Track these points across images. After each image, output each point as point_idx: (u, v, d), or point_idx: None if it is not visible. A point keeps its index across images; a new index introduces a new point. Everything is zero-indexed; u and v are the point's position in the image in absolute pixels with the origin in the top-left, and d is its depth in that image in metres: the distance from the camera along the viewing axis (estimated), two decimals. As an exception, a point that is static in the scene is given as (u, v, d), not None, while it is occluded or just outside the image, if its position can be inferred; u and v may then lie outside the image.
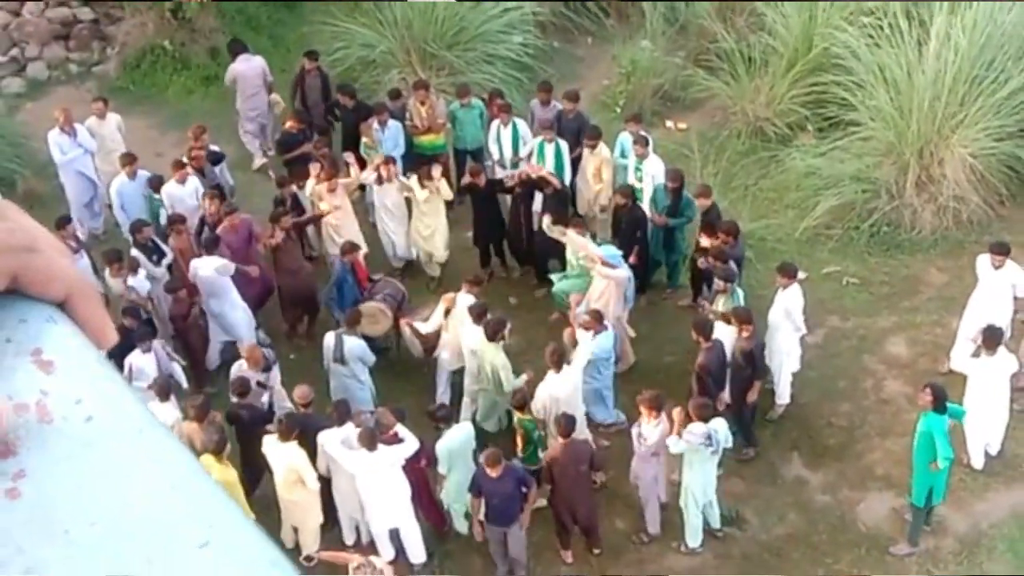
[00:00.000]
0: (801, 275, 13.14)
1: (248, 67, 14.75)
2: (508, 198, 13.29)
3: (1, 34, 16.72)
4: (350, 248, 12.30)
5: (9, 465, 0.50)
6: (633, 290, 12.22)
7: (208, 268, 11.88)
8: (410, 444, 10.22)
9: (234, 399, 10.86)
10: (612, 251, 11.93)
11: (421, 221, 13.11)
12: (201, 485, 0.51)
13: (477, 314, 11.22)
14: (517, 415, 10.83)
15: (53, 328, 0.56)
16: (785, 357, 11.68)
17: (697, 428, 10.20)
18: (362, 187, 13.53)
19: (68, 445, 0.52)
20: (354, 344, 11.35)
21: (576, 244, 12.01)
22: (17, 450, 0.51)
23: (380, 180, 13.04)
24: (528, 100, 14.51)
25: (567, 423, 10.28)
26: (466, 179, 13.10)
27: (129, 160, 13.12)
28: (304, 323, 12.91)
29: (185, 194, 12.98)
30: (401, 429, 10.31)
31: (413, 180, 13.04)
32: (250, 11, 17.04)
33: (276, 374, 11.50)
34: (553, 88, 14.33)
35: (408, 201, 13.23)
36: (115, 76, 16.47)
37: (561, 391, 10.74)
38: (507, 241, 13.38)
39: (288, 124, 13.91)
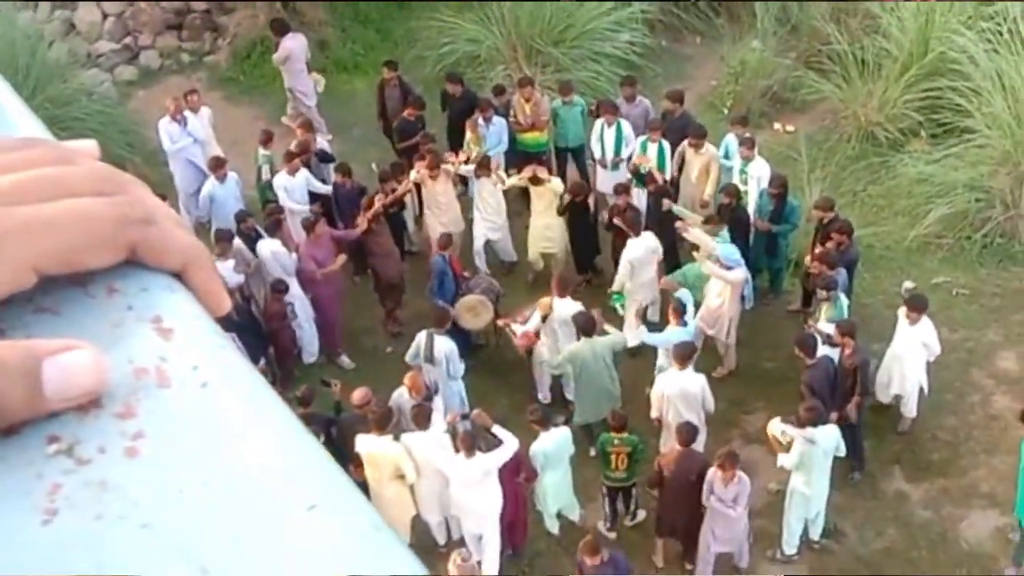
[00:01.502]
0: (909, 284, 12.90)
1: (297, 44, 14.85)
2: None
3: (116, 22, 17.09)
4: (447, 242, 12.30)
5: (129, 425, 0.53)
6: (751, 291, 12.05)
7: (267, 249, 12.08)
8: (509, 446, 10.07)
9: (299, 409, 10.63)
10: (731, 251, 11.74)
11: (541, 220, 13.01)
12: (309, 450, 0.53)
13: (582, 327, 11.10)
14: (615, 435, 10.62)
15: (172, 297, 0.59)
16: (919, 380, 11.34)
17: (797, 434, 10.02)
18: (464, 181, 13.53)
19: (184, 409, 0.54)
20: (444, 344, 11.28)
21: (699, 241, 11.88)
22: (137, 412, 0.53)
23: (479, 174, 13.01)
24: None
25: (689, 431, 10.16)
26: (567, 197, 12.90)
27: (218, 164, 13.13)
28: (392, 311, 12.99)
29: (297, 185, 13.04)
30: (498, 429, 10.23)
31: (513, 180, 13.03)
32: (359, 5, 17.21)
33: (439, 402, 11.17)
34: (636, 83, 14.18)
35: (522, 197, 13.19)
36: (225, 66, 16.74)
37: (692, 387, 10.62)
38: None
39: (407, 112, 13.96)
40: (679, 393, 10.61)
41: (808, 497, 10.34)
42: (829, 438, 10.10)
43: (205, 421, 0.53)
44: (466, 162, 13.24)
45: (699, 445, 10.59)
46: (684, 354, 10.64)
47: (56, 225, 0.57)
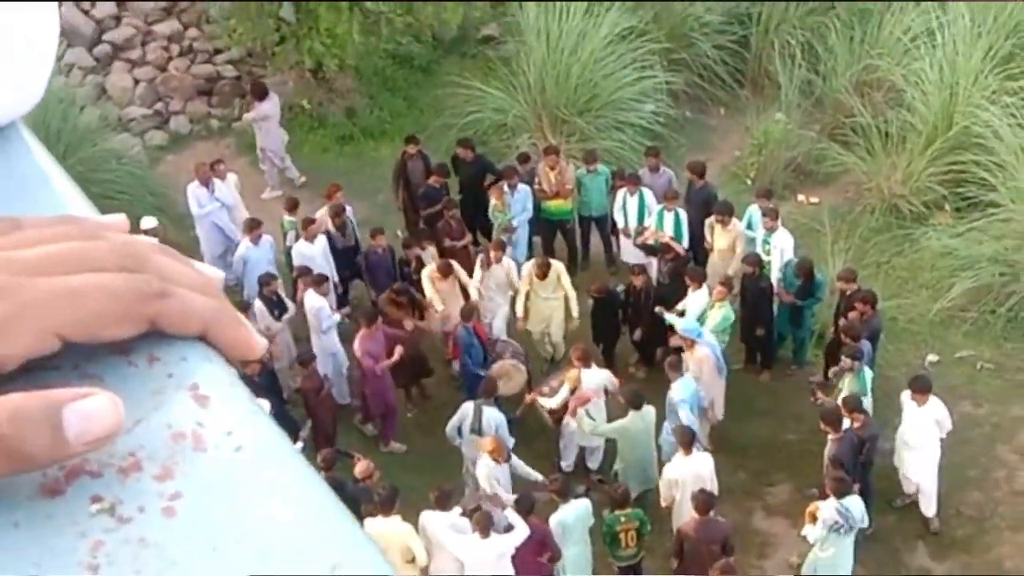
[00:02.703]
0: (932, 358, 12.85)
1: (272, 105, 15.24)
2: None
3: (147, 88, 17.34)
4: (469, 313, 12.24)
5: (167, 487, 0.56)
6: (722, 360, 11.97)
7: (312, 303, 12.21)
8: (520, 532, 9.86)
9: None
10: (693, 325, 11.78)
11: (539, 308, 12.88)
12: (335, 514, 0.56)
13: (631, 400, 11.08)
14: (619, 512, 10.53)
15: (209, 366, 0.62)
16: (934, 470, 11.17)
17: (830, 505, 9.95)
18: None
19: (219, 471, 0.57)
20: (493, 415, 11.22)
21: (674, 322, 11.97)
22: (175, 474, 0.57)
23: (488, 263, 12.89)
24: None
25: (706, 499, 10.09)
26: (596, 295, 12.88)
27: (253, 225, 13.19)
28: (417, 387, 12.89)
29: (315, 253, 13.13)
30: (511, 515, 10.00)
31: (526, 269, 12.90)
32: (387, 73, 17.42)
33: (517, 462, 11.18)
34: (660, 154, 14.29)
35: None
36: (252, 131, 16.92)
37: (703, 469, 10.57)
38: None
39: (432, 179, 14.07)
40: (692, 478, 10.55)
41: (838, 567, 10.23)
42: (855, 510, 10.04)
43: (238, 483, 0.56)
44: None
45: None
46: (687, 439, 10.60)
47: (77, 296, 0.60)
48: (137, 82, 17.43)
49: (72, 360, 0.61)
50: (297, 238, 13.31)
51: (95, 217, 0.71)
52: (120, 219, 0.69)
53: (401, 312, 12.57)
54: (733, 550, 10.59)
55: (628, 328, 12.98)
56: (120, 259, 0.63)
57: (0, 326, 0.58)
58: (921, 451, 11.09)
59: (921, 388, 10.99)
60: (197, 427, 0.58)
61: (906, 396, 11.05)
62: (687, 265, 12.80)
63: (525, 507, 10.08)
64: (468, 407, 11.30)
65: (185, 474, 0.56)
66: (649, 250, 13.07)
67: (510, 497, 10.42)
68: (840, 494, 9.96)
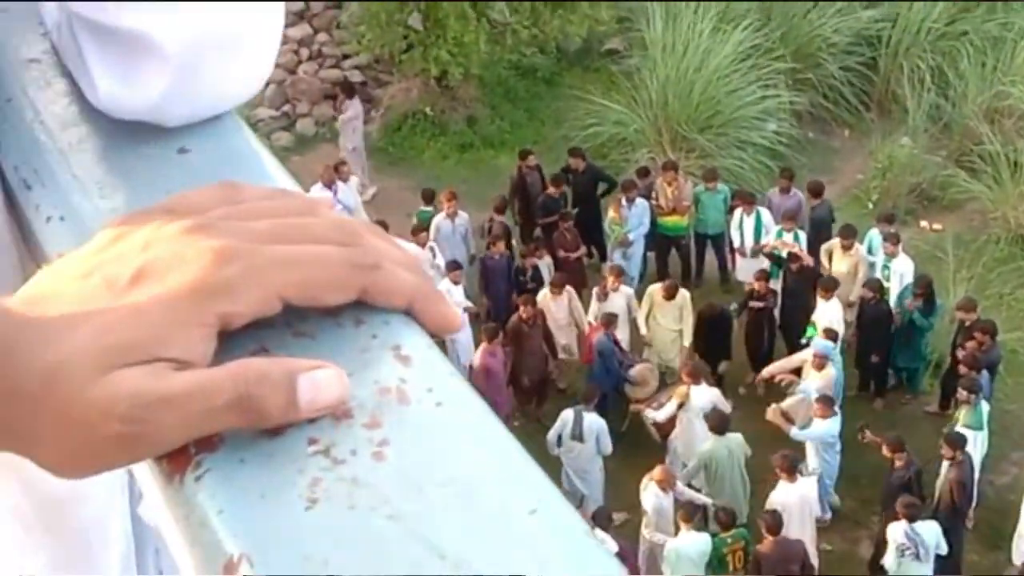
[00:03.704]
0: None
1: (359, 104, 15.83)
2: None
3: (276, 90, 17.73)
4: (610, 320, 12.09)
5: (376, 434, 0.61)
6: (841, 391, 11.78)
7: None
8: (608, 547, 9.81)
9: None
10: (826, 343, 11.58)
11: (660, 337, 12.69)
12: (528, 464, 0.60)
13: (715, 426, 10.96)
14: (725, 534, 10.28)
15: (410, 330, 0.67)
16: None
17: (899, 528, 9.80)
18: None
19: (422, 423, 0.62)
20: (594, 421, 11.18)
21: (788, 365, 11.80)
22: (382, 423, 0.62)
23: (604, 294, 12.67)
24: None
25: (775, 518, 9.96)
26: (703, 308, 12.80)
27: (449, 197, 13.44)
28: (532, 405, 12.77)
29: (426, 257, 13.23)
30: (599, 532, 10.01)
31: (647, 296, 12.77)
32: (509, 83, 17.56)
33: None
34: (795, 176, 14.17)
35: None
36: (376, 137, 17.21)
37: (810, 493, 10.44)
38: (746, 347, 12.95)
39: (551, 189, 14.15)
40: (798, 504, 10.38)
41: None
42: (927, 535, 9.85)
43: (440, 433, 0.61)
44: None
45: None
46: (789, 465, 10.41)
47: (300, 265, 0.66)
48: (266, 84, 17.80)
49: (287, 319, 0.67)
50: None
51: (306, 194, 0.77)
52: (327, 197, 0.76)
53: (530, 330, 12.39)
54: (813, 569, 10.47)
55: (745, 341, 12.82)
56: (336, 233, 0.69)
57: (233, 287, 0.64)
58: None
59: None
60: (400, 383, 0.63)
61: None
62: (816, 275, 12.59)
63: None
64: (568, 414, 11.22)
65: (392, 424, 0.61)
66: (776, 260, 12.96)
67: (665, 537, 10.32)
68: (911, 518, 9.81)
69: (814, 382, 11.33)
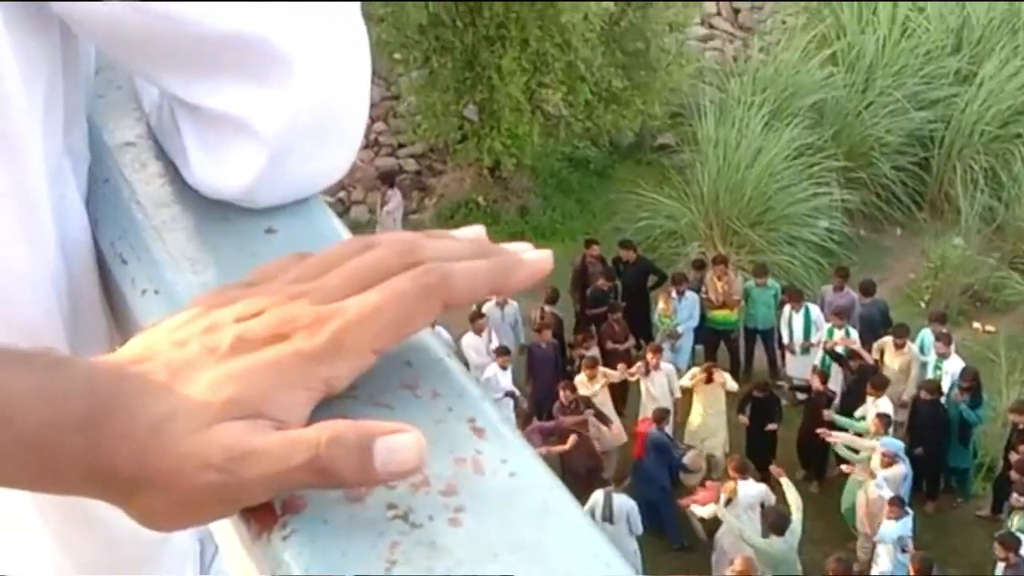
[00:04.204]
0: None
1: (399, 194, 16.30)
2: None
3: (332, 176, 18.02)
4: (662, 415, 12.13)
5: (452, 501, 0.64)
6: (910, 488, 11.63)
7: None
8: None
9: None
10: (896, 444, 11.47)
11: (704, 422, 12.64)
12: (596, 535, 0.62)
13: (772, 524, 10.86)
14: None
15: (484, 403, 0.70)
16: None
17: None
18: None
19: (496, 491, 0.64)
20: (624, 502, 11.21)
21: (851, 443, 11.65)
22: (458, 491, 0.64)
23: (647, 370, 12.76)
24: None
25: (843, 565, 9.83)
26: (756, 392, 12.80)
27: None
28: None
29: (482, 344, 13.28)
30: None
31: (688, 376, 12.82)
32: (562, 175, 17.72)
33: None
34: (850, 275, 14.16)
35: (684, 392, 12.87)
36: (429, 224, 17.37)
37: None
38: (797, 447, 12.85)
39: (600, 282, 14.20)
40: None
41: None
42: None
43: (513, 503, 0.64)
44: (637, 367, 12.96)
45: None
46: (844, 569, 10.27)
47: (380, 310, 0.68)
48: (323, 170, 18.10)
49: (368, 390, 0.70)
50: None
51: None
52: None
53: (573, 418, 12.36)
54: None
55: (798, 440, 12.71)
56: (401, 259, 0.71)
57: (328, 352, 0.66)
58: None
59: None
60: (476, 454, 0.66)
61: None
62: (876, 374, 12.50)
63: None
64: (599, 495, 11.22)
65: (467, 492, 0.64)
66: (836, 357, 12.89)
67: None
68: None
69: (884, 479, 11.20)
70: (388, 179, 16.53)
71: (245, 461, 0.63)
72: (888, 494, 11.04)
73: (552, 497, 0.64)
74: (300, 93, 0.84)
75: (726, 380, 12.72)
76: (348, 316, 0.68)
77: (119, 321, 0.92)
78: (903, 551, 10.79)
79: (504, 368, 12.48)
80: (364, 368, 0.68)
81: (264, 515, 0.65)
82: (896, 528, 10.78)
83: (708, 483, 11.90)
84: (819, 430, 12.11)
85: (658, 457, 12.06)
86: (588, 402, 12.41)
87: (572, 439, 12.04)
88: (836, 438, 11.93)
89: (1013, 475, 11.37)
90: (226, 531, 0.70)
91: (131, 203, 0.93)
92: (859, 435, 11.93)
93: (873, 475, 11.23)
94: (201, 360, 0.66)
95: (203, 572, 1.08)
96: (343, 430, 0.64)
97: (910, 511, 10.96)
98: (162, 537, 0.96)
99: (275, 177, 0.87)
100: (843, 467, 11.95)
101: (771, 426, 12.61)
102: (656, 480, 11.99)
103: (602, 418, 12.51)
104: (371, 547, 0.62)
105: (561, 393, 12.31)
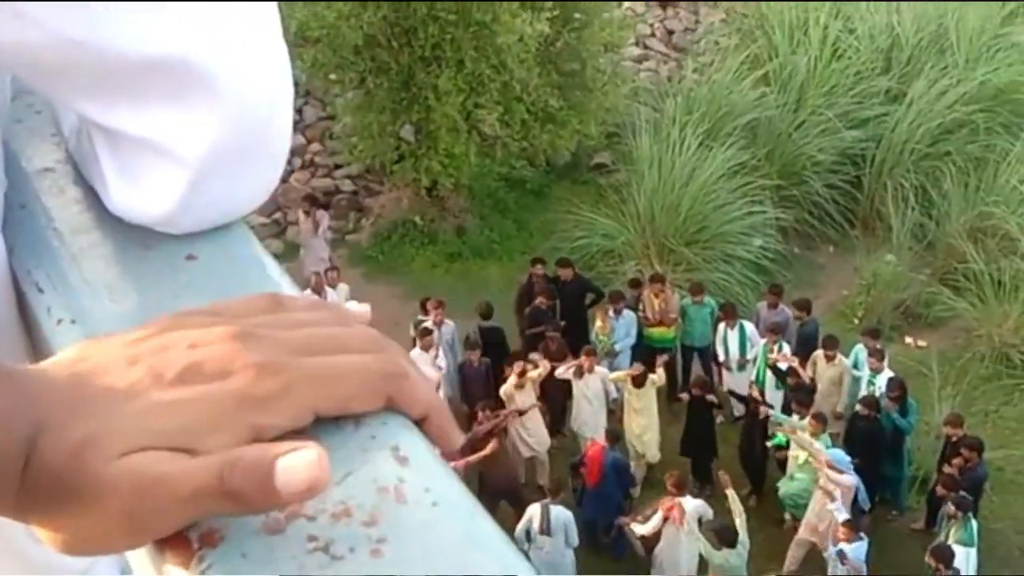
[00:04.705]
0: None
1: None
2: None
3: (268, 198, 17.89)
4: (615, 437, 12.22)
5: (373, 532, 0.63)
6: (865, 497, 11.77)
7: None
8: None
9: None
10: (840, 455, 11.59)
11: (633, 419, 12.87)
12: (521, 562, 0.62)
13: (722, 538, 10.88)
14: None
15: (408, 432, 0.70)
16: None
17: None
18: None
19: (419, 522, 0.63)
20: (560, 513, 11.26)
21: (804, 443, 11.72)
22: (380, 522, 0.63)
23: (580, 372, 12.87)
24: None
25: None
26: (694, 390, 12.99)
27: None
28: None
29: (428, 360, 13.20)
30: None
31: (620, 374, 12.99)
32: (499, 195, 17.74)
33: None
34: (783, 292, 14.31)
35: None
36: (366, 245, 17.33)
37: None
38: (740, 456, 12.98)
39: (539, 300, 14.21)
40: None
41: None
42: None
43: (436, 533, 0.63)
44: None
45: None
46: None
47: (336, 377, 0.68)
48: (257, 191, 17.96)
49: None
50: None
51: (343, 306, 0.80)
52: (365, 309, 0.79)
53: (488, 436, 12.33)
54: None
55: (739, 451, 12.84)
56: (366, 343, 0.71)
57: (270, 401, 0.66)
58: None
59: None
60: (399, 482, 0.66)
61: None
62: (808, 392, 12.62)
63: None
64: (535, 508, 11.27)
65: (389, 522, 0.63)
66: (777, 372, 13.00)
67: None
68: None
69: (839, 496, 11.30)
70: (315, 201, 16.36)
71: (152, 487, 0.62)
72: (843, 516, 11.12)
73: (475, 527, 0.64)
74: (222, 115, 0.83)
75: (656, 379, 12.80)
76: (303, 371, 0.67)
77: (37, 351, 0.90)
78: (843, 562, 10.87)
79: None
80: (299, 425, 0.67)
81: (179, 548, 0.64)
82: (850, 550, 10.85)
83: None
84: (769, 424, 12.23)
85: (617, 479, 12.11)
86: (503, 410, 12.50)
87: (492, 445, 11.95)
88: (787, 428, 11.97)
89: (939, 490, 11.50)
90: (144, 566, 0.69)
91: (48, 230, 0.91)
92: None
93: (826, 465, 11.28)
94: (144, 384, 0.65)
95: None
96: (245, 453, 0.63)
97: (864, 537, 11.00)
98: (86, 567, 0.94)
99: (197, 201, 0.86)
100: (780, 454, 12.07)
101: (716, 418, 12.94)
102: (613, 500, 12.05)
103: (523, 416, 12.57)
104: None
105: (480, 413, 12.34)
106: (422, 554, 0.62)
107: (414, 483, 0.66)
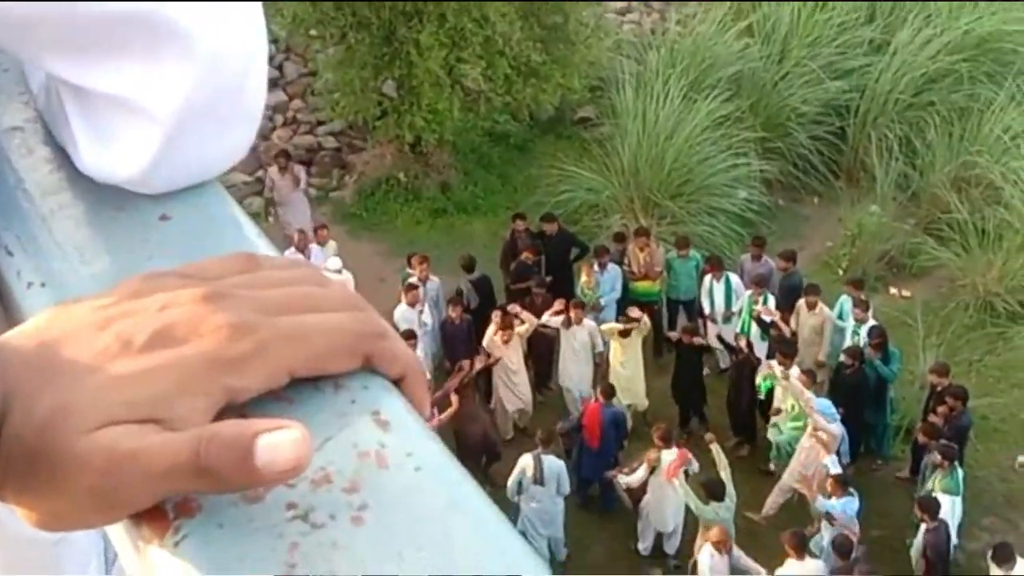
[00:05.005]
0: (1022, 459, 12.58)
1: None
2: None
3: (249, 156, 17.75)
4: (610, 392, 12.12)
5: (355, 498, 0.61)
6: (846, 450, 11.85)
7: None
8: None
9: None
10: (826, 404, 11.65)
11: (620, 369, 12.90)
12: (507, 528, 0.61)
13: (711, 492, 10.95)
14: None
15: (388, 395, 0.68)
16: None
17: None
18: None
19: (401, 487, 0.62)
20: (553, 463, 11.31)
21: (795, 391, 11.77)
22: (361, 488, 0.62)
23: (568, 323, 12.90)
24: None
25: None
26: (677, 334, 13.05)
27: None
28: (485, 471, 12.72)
29: (413, 316, 13.16)
30: None
31: (610, 326, 13.01)
32: (483, 150, 17.68)
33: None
34: (766, 244, 14.32)
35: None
36: (350, 202, 17.26)
37: (818, 574, 10.35)
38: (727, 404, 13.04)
39: (524, 255, 14.18)
40: None
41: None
42: None
43: (418, 498, 0.61)
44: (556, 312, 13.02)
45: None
46: (797, 542, 10.40)
47: (311, 336, 0.66)
48: (240, 149, 17.86)
49: None
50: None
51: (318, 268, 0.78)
52: (347, 279, 0.77)
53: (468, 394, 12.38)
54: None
55: (727, 401, 12.92)
56: (344, 303, 0.69)
57: (244, 362, 0.64)
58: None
59: (1004, 558, 10.37)
60: (380, 447, 0.64)
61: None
62: (784, 343, 12.66)
63: None
64: (527, 459, 11.29)
65: (371, 488, 0.61)
66: (762, 324, 13.04)
67: None
68: None
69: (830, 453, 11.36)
70: (288, 156, 16.16)
71: (125, 463, 0.60)
72: (835, 470, 11.18)
73: (459, 492, 0.62)
74: (195, 71, 0.80)
75: (641, 326, 12.82)
76: (277, 330, 0.65)
77: (8, 315, 0.88)
78: (831, 523, 10.93)
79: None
80: (274, 386, 0.65)
81: (155, 520, 0.62)
82: (837, 506, 10.91)
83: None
84: (760, 369, 12.29)
85: (616, 434, 12.14)
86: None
87: (455, 401, 11.90)
88: (779, 375, 12.01)
89: (921, 438, 11.57)
90: (120, 537, 0.67)
91: (17, 191, 0.89)
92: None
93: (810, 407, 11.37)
94: (113, 351, 0.63)
95: (107, 570, 1.04)
96: (223, 429, 0.61)
97: (854, 493, 11.05)
98: (59, 537, 0.93)
99: (170, 160, 0.83)
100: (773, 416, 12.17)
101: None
102: (609, 455, 12.07)
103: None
104: (270, 550, 0.59)
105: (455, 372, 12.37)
106: (405, 520, 0.60)
107: (396, 448, 0.64)
